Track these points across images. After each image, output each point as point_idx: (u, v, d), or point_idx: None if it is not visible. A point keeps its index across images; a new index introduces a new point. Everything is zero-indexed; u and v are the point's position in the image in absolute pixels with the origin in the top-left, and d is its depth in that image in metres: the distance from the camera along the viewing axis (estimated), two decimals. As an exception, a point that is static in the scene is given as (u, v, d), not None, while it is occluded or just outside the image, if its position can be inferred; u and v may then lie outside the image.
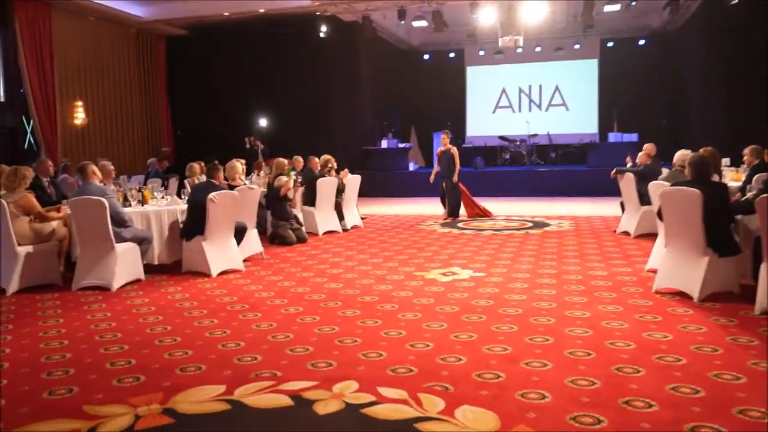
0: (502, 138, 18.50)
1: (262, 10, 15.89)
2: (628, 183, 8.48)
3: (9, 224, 5.78)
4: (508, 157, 18.09)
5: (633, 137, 15.92)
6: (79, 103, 15.56)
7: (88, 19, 15.82)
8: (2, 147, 13.78)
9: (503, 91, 20.65)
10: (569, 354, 3.77)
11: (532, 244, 8.05)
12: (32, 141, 15.17)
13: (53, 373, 3.63)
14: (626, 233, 8.51)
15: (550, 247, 7.77)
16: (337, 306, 5.05)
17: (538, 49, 19.10)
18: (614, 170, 8.77)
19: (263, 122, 17.96)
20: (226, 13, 16.11)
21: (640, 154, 8.70)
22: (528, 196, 14.97)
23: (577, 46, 19.08)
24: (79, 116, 15.51)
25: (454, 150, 10.65)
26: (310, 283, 5.95)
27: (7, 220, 5.76)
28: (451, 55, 20.59)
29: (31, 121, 14.68)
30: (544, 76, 20.14)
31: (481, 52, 19.88)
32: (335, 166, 9.96)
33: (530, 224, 10.03)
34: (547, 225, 9.88)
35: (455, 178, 10.61)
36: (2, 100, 13.87)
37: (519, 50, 19.00)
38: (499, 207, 12.68)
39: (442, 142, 10.79)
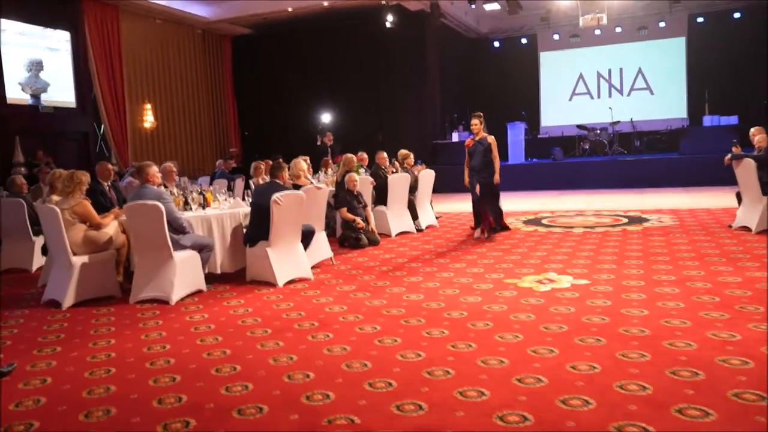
0: (580, 127, 17.25)
1: (326, 4, 15.37)
2: (747, 170, 7.31)
3: (63, 232, 5.37)
4: (587, 147, 16.84)
5: (732, 120, 14.40)
6: (148, 106, 15.53)
7: (155, 21, 15.77)
8: (74, 152, 13.84)
9: (580, 76, 19.32)
10: (734, 396, 2.88)
11: (634, 243, 7.05)
12: (103, 145, 15.26)
13: (92, 414, 3.08)
14: (745, 228, 7.36)
15: (658, 246, 6.76)
16: (421, 324, 4.32)
17: (618, 29, 17.70)
18: (728, 156, 7.61)
19: (329, 118, 17.46)
20: (289, 9, 15.69)
21: (758, 137, 7.50)
22: (612, 188, 13.76)
23: (662, 24, 17.56)
24: (148, 119, 15.48)
25: (492, 139, 7.89)
26: (387, 294, 5.24)
27: (61, 228, 5.35)
28: (523, 41, 19.42)
29: (102, 126, 14.74)
30: (625, 58, 18.67)
31: (556, 36, 18.66)
32: (412, 162, 9.27)
33: (625, 220, 8.97)
34: (646, 220, 8.79)
35: (497, 178, 7.90)
36: (74, 105, 13.92)
37: (597, 32, 17.74)
38: (583, 201, 11.63)
39: (473, 130, 7.99)
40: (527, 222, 9.33)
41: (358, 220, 7.82)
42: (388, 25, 15.40)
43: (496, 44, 19.62)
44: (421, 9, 15.78)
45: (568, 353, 3.55)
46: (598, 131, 16.88)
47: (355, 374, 3.41)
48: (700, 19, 17.54)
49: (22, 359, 3.96)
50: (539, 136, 18.24)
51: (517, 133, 15.93)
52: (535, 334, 3.93)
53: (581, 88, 19.38)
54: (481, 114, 8.00)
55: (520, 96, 19.03)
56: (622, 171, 14.47)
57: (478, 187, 7.88)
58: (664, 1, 16.53)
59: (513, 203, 11.98)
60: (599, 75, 19.14)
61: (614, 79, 19.05)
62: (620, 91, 18.97)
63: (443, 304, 4.81)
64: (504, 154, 16.70)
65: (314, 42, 17.39)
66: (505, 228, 8.41)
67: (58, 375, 3.67)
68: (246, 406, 3.06)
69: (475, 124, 7.92)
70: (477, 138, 7.96)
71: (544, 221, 9.30)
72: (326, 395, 3.14)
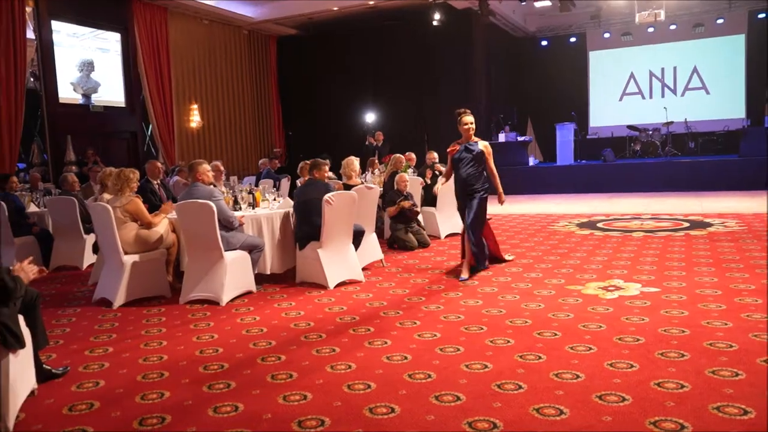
0: (630, 127, 16.66)
1: (371, 3, 15.23)
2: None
3: (115, 231, 5.31)
4: (638, 148, 16.26)
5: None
6: (194, 106, 15.64)
7: (202, 22, 15.88)
8: (123, 151, 14.03)
9: (631, 76, 18.68)
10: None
11: (701, 249, 6.65)
12: (151, 145, 15.44)
13: (146, 421, 2.94)
14: (823, 235, 6.88)
15: (729, 252, 6.35)
16: (483, 332, 4.08)
17: (673, 27, 17.02)
18: None
19: (373, 118, 17.33)
20: (334, 8, 15.59)
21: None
22: (666, 190, 13.21)
23: (720, 21, 16.81)
24: (195, 119, 15.60)
25: (486, 146, 5.99)
26: (443, 299, 5.02)
27: (113, 226, 5.30)
28: (572, 40, 18.88)
29: (150, 126, 14.92)
30: (679, 57, 17.94)
31: (606, 35, 18.08)
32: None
33: (686, 224, 8.53)
34: (709, 225, 8.33)
35: (502, 198, 6.07)
36: (123, 105, 14.11)
37: (650, 30, 17.11)
38: (638, 204, 11.17)
39: (465, 131, 5.92)
40: (581, 225, 8.97)
41: (407, 203, 7.59)
42: (434, 23, 15.17)
43: (544, 43, 19.14)
44: (467, 7, 15.48)
45: (650, 369, 3.26)
46: (650, 132, 16.28)
47: (419, 385, 3.20)
48: (761, 15, 16.75)
49: (75, 360, 3.88)
50: (588, 136, 17.71)
51: (566, 133, 15.50)
52: (610, 346, 3.64)
53: (632, 88, 18.74)
54: (468, 110, 6.04)
55: (568, 96, 18.49)
56: (676, 173, 13.89)
57: (466, 208, 6.01)
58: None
59: (563, 206, 11.64)
60: (651, 74, 18.47)
61: (667, 78, 18.37)
62: (674, 91, 18.28)
63: (504, 311, 4.56)
64: (552, 155, 16.35)
65: (359, 41, 17.26)
66: (501, 260, 6.45)
67: (111, 378, 3.56)
68: (306, 417, 2.88)
69: (469, 123, 5.90)
70: (466, 142, 5.95)
71: (599, 224, 8.93)
72: (391, 408, 2.93)
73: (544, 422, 2.71)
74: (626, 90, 18.82)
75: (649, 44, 17.97)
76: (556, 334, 3.93)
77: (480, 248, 5.98)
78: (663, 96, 18.32)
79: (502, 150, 15.57)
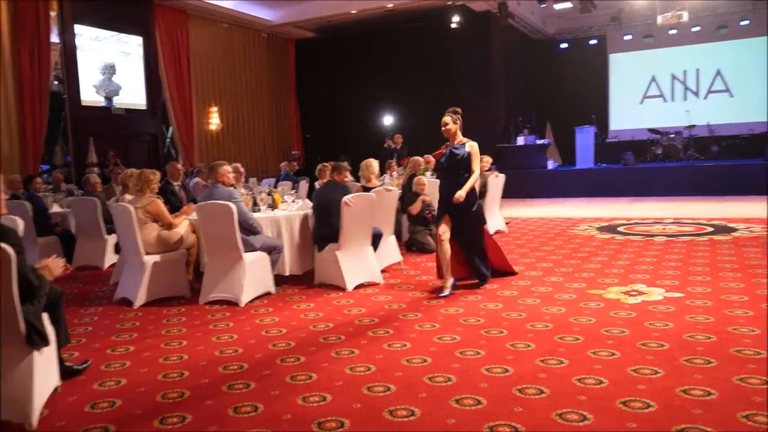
0: (652, 131, 16.46)
1: (390, 5, 15.25)
2: None
3: (136, 231, 5.36)
4: (660, 152, 16.05)
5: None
6: (214, 109, 15.77)
7: (222, 25, 16.01)
8: (144, 153, 14.17)
9: (653, 78, 18.49)
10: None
11: (726, 254, 6.54)
12: (171, 147, 15.60)
13: (167, 420, 2.95)
14: None
15: (754, 258, 6.22)
16: (503, 336, 4.04)
17: (696, 29, 16.80)
18: None
19: (390, 120, 17.34)
20: (353, 11, 15.63)
21: None
22: (688, 194, 13.03)
23: (744, 23, 16.58)
24: (214, 122, 15.72)
25: (473, 146, 5.31)
26: (462, 302, 4.98)
27: (134, 227, 5.34)
28: (592, 42, 18.73)
29: (170, 128, 15.07)
30: (702, 59, 17.74)
31: (627, 37, 17.90)
32: (486, 166, 8.99)
33: (710, 228, 8.40)
34: (734, 230, 8.19)
35: (459, 195, 5.13)
36: (144, 107, 14.27)
37: (673, 32, 16.91)
38: (660, 207, 11.03)
39: (447, 134, 5.36)
40: (601, 229, 8.87)
41: (425, 198, 7.58)
42: (453, 26, 15.15)
43: (563, 45, 19.01)
44: (486, 9, 15.44)
45: (675, 375, 3.20)
46: (672, 135, 16.07)
47: (439, 389, 3.17)
48: (786, 17, 16.47)
49: (96, 358, 3.91)
50: (608, 140, 17.55)
51: (586, 137, 15.38)
52: (634, 352, 3.58)
53: (653, 91, 18.55)
54: (459, 110, 5.41)
55: (588, 99, 18.34)
56: (699, 177, 13.68)
57: (447, 222, 5.32)
58: (747, 0, 15.62)
59: (583, 209, 11.54)
60: (673, 77, 18.28)
61: (690, 81, 18.15)
62: (696, 94, 18.06)
63: (524, 315, 4.51)
64: (572, 159, 16.20)
65: (377, 44, 17.29)
66: (509, 273, 5.87)
67: (132, 376, 3.58)
68: (326, 419, 2.87)
69: (444, 124, 5.32)
70: (454, 144, 5.34)
71: (620, 228, 8.82)
72: (411, 411, 2.91)
73: (567, 428, 2.67)
74: (647, 93, 18.64)
75: (671, 46, 17.78)
76: (577, 339, 3.88)
77: (484, 268, 5.50)
78: (685, 99, 18.12)
79: (519, 153, 15.53)
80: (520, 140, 15.77)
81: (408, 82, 17.15)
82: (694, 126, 15.98)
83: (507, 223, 9.46)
